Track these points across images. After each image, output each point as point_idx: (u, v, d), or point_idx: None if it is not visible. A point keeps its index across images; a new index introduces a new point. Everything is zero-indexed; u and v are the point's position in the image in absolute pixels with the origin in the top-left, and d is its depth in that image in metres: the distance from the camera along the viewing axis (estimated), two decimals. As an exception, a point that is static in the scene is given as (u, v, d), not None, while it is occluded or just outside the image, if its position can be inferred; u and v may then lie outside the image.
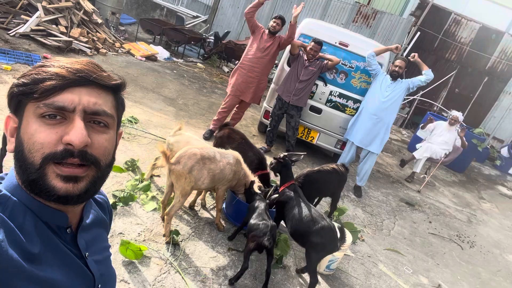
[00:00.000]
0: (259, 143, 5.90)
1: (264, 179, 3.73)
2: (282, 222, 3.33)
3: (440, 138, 6.66)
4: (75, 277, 0.77)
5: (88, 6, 7.51)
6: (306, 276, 3.20)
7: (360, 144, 5.15)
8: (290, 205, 3.05)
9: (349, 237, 3.55)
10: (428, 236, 4.94)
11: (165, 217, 2.97)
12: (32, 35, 6.41)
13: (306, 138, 5.82)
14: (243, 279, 2.87)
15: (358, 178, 5.33)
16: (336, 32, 5.58)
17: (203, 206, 3.64)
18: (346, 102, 5.52)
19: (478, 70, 11.37)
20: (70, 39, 6.68)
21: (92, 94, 0.74)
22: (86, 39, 7.09)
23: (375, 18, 10.57)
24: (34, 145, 0.69)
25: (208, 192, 3.74)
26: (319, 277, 3.21)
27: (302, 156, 3.46)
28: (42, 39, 6.40)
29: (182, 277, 2.69)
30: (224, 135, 4.08)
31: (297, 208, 2.98)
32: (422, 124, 7.12)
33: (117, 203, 3.18)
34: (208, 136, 5.26)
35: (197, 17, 11.89)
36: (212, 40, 10.56)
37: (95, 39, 7.38)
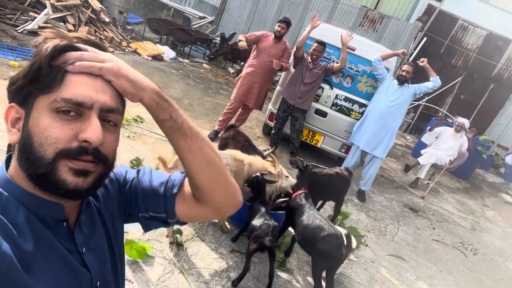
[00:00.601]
0: (263, 145, 5.89)
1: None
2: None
3: (445, 144, 6.63)
4: (68, 277, 0.75)
5: (96, 5, 7.54)
6: (309, 278, 3.20)
7: (365, 148, 5.13)
8: (300, 212, 3.03)
9: (353, 242, 3.55)
10: (432, 243, 4.92)
11: None
12: (40, 32, 6.43)
13: (311, 141, 5.81)
14: (246, 281, 2.87)
15: (362, 182, 5.31)
16: (343, 36, 5.57)
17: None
18: (352, 106, 5.51)
19: (484, 77, 11.34)
20: (78, 37, 6.70)
21: (107, 91, 0.74)
22: (93, 38, 7.12)
23: (382, 23, 10.56)
24: (47, 139, 0.68)
25: None
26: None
27: (325, 170, 3.52)
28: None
29: (186, 277, 2.69)
30: (229, 136, 4.10)
31: (306, 216, 2.97)
32: (430, 127, 7.10)
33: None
34: (213, 137, 5.26)
35: (203, 17, 11.93)
36: (218, 41, 10.59)
37: (103, 37, 7.41)
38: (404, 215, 5.46)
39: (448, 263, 4.54)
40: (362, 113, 5.42)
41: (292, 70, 5.39)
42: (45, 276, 0.70)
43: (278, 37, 5.14)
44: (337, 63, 5.18)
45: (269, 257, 2.78)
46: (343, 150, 5.72)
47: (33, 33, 6.41)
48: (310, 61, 5.17)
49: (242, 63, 9.89)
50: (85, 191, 0.73)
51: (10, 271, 0.63)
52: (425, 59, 5.06)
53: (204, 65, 9.57)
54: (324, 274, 2.91)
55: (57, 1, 6.89)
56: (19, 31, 6.31)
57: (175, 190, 0.96)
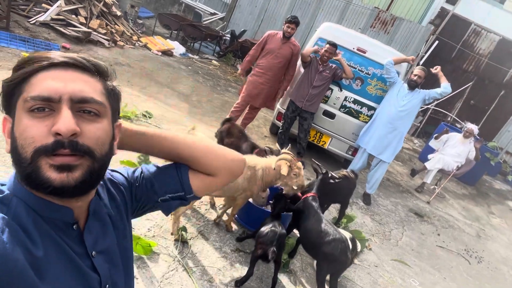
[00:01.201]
0: (270, 144, 5.89)
1: None
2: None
3: (453, 150, 6.58)
4: (76, 281, 0.76)
5: (108, -2, 7.57)
6: (312, 281, 3.20)
7: (372, 151, 5.11)
8: (307, 215, 3.02)
9: (358, 246, 3.54)
10: (436, 249, 4.89)
11: (172, 216, 2.98)
12: (52, 24, 6.49)
13: (318, 142, 5.80)
14: (249, 282, 2.87)
15: (368, 185, 5.29)
16: (354, 37, 5.53)
17: (212, 205, 3.65)
18: (361, 108, 5.49)
19: (495, 83, 11.21)
20: (89, 30, 6.74)
21: (78, 81, 0.73)
22: (105, 31, 7.15)
23: (394, 25, 10.47)
24: (26, 140, 0.68)
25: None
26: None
27: (339, 180, 3.48)
28: (61, 29, 6.47)
29: (190, 275, 2.71)
30: (224, 129, 4.10)
31: (312, 219, 2.95)
32: (436, 135, 7.05)
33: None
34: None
35: (214, 14, 11.92)
36: (228, 38, 10.58)
37: (114, 31, 7.44)
38: (409, 219, 5.43)
39: (452, 270, 4.52)
40: (370, 116, 5.40)
41: (302, 70, 5.37)
42: (54, 281, 0.70)
43: (287, 38, 5.12)
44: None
45: (274, 264, 2.78)
46: (350, 153, 5.70)
47: (46, 24, 6.45)
48: (320, 63, 5.14)
49: (251, 61, 9.87)
50: (73, 188, 0.70)
51: (23, 276, 0.63)
52: (439, 67, 4.98)
53: (213, 61, 9.57)
54: (328, 277, 2.91)
55: (70, -6, 6.93)
56: (31, 22, 6.35)
57: (185, 167, 1.03)
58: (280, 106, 5.81)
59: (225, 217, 3.48)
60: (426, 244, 4.91)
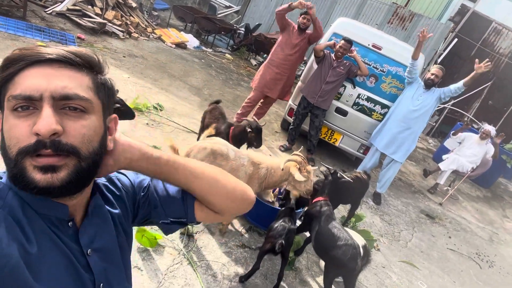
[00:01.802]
0: (281, 140, 5.86)
1: None
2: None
3: (469, 151, 6.43)
4: (70, 278, 0.74)
5: (124, -10, 7.59)
6: (318, 279, 3.18)
7: (384, 150, 5.02)
8: (319, 220, 2.93)
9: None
10: (446, 252, 4.80)
11: None
12: (68, 14, 6.54)
13: (329, 139, 5.73)
14: (254, 278, 2.86)
15: (379, 185, 5.21)
16: (370, 33, 5.42)
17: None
18: (374, 106, 5.39)
19: (515, 83, 10.90)
20: (104, 21, 6.78)
21: (62, 77, 0.70)
22: (120, 22, 7.18)
23: (412, 21, 10.24)
24: (11, 140, 0.67)
25: None
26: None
27: (350, 180, 3.39)
28: (77, 19, 6.52)
29: (194, 269, 2.71)
30: (208, 110, 4.14)
31: (325, 224, 2.87)
32: (454, 131, 6.89)
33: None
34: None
35: (229, 7, 11.85)
36: (243, 32, 10.52)
37: (128, 22, 7.47)
38: (420, 221, 5.34)
39: (462, 274, 4.43)
40: (384, 115, 5.30)
41: (315, 66, 5.30)
42: (48, 279, 0.69)
43: (303, 29, 5.07)
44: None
45: (281, 259, 2.76)
46: (361, 151, 5.62)
47: (62, 15, 6.51)
48: (334, 58, 5.07)
49: (265, 55, 9.81)
50: (58, 188, 0.68)
51: (16, 272, 0.62)
52: (488, 65, 4.38)
53: (227, 55, 9.54)
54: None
55: (86, -16, 6.96)
56: (48, 12, 6.42)
57: (192, 198, 1.00)
58: (292, 102, 5.75)
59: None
60: (436, 246, 4.82)
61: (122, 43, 6.87)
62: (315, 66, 5.31)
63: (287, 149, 5.49)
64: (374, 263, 3.80)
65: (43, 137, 0.66)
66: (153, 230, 2.84)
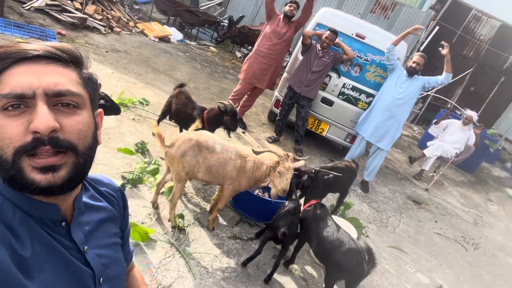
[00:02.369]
0: (268, 132, 5.87)
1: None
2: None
3: (452, 137, 6.57)
4: (68, 277, 0.74)
5: (104, -17, 7.44)
6: (307, 267, 3.22)
7: (369, 139, 5.08)
8: (316, 225, 2.86)
9: (353, 232, 3.55)
10: (433, 236, 4.92)
11: (169, 204, 2.97)
12: (47, 10, 6.39)
13: (316, 129, 5.78)
14: (247, 267, 2.89)
15: (366, 173, 5.29)
16: (353, 23, 5.45)
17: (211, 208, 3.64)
18: (359, 95, 5.44)
19: (495, 69, 11.12)
20: (85, 16, 6.65)
21: (52, 74, 0.69)
22: (101, 17, 7.05)
23: (394, 10, 10.34)
24: (4, 140, 0.65)
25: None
26: (320, 270, 3.23)
27: (332, 175, 3.22)
28: (57, 15, 6.38)
29: (187, 262, 2.72)
30: (173, 95, 4.06)
31: (323, 228, 2.79)
32: (436, 120, 7.02)
33: (125, 185, 3.19)
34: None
35: (212, -1, 11.74)
36: (226, 24, 10.45)
37: (110, 17, 7.34)
38: (407, 207, 5.45)
39: (449, 257, 4.55)
40: (369, 103, 5.36)
41: (301, 57, 5.31)
42: (45, 279, 0.69)
43: (289, 17, 5.08)
44: (345, 55, 5.09)
45: (281, 248, 2.84)
46: (348, 140, 5.68)
47: (41, 10, 6.35)
48: (320, 48, 5.09)
49: (250, 47, 9.78)
50: (60, 187, 0.69)
51: (8, 278, 0.62)
52: (448, 47, 4.68)
53: (211, 48, 9.47)
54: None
55: (65, -21, 6.80)
56: (26, 8, 6.25)
57: (127, 262, 1.08)
58: (278, 93, 5.76)
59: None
60: (423, 231, 4.93)
61: (104, 38, 6.75)
62: (300, 57, 5.33)
63: (274, 140, 5.52)
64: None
65: (42, 134, 0.65)
66: (145, 225, 2.83)
